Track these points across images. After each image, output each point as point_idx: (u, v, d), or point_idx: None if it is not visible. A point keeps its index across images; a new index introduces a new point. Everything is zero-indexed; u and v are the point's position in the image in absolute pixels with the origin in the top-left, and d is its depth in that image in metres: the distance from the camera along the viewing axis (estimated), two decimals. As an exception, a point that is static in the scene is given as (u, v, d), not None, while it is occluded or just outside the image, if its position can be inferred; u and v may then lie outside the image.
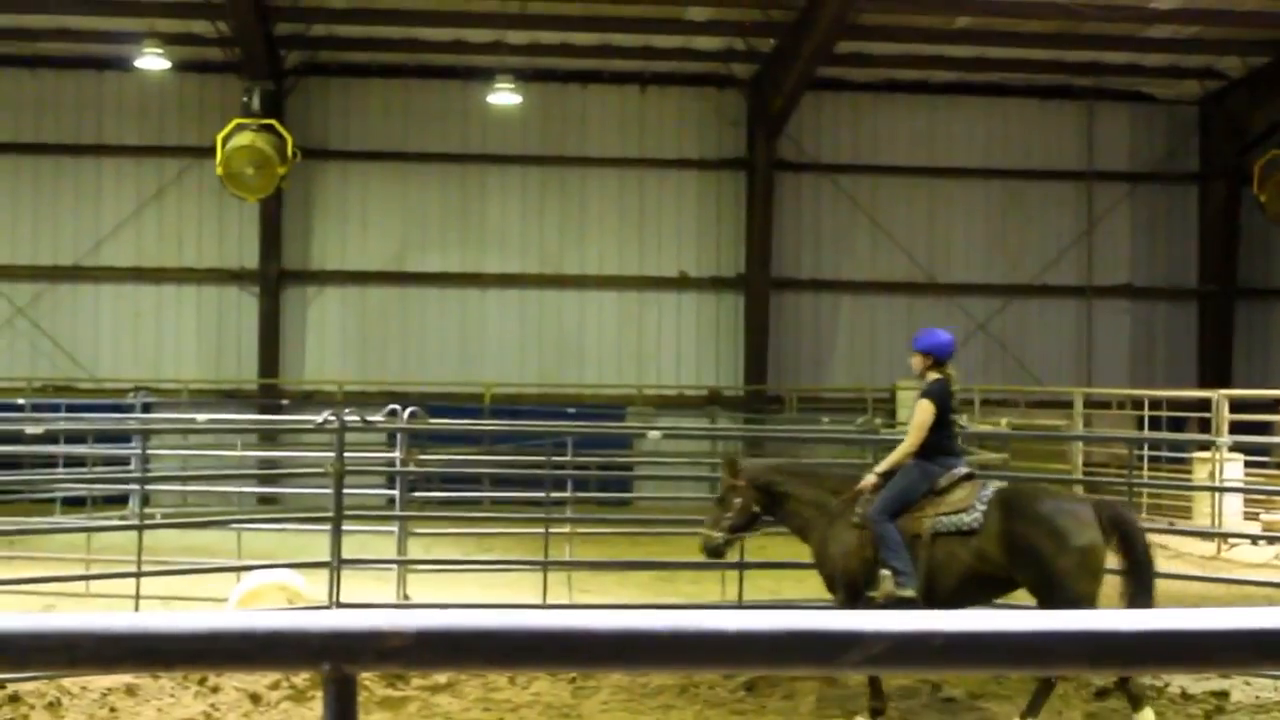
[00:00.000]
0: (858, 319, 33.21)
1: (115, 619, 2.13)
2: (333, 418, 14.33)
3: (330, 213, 32.21)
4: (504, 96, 30.84)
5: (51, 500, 22.74)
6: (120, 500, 23.13)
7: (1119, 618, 2.11)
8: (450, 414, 21.60)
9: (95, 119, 31.85)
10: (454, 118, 32.36)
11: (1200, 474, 24.22)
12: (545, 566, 15.23)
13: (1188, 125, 33.85)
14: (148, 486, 20.25)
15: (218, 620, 2.06)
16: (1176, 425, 28.49)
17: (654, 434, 17.76)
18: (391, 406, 15.80)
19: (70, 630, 2.12)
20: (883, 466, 12.46)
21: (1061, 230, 33.59)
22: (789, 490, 12.66)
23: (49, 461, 22.08)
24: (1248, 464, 24.55)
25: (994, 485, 12.25)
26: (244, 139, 27.34)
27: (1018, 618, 2.08)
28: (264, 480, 22.48)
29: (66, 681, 12.57)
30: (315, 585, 14.47)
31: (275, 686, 12.80)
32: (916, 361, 12.79)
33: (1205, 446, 23.79)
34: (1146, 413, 27.44)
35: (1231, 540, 22.54)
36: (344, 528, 14.40)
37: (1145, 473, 24.75)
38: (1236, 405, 24.69)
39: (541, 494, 17.79)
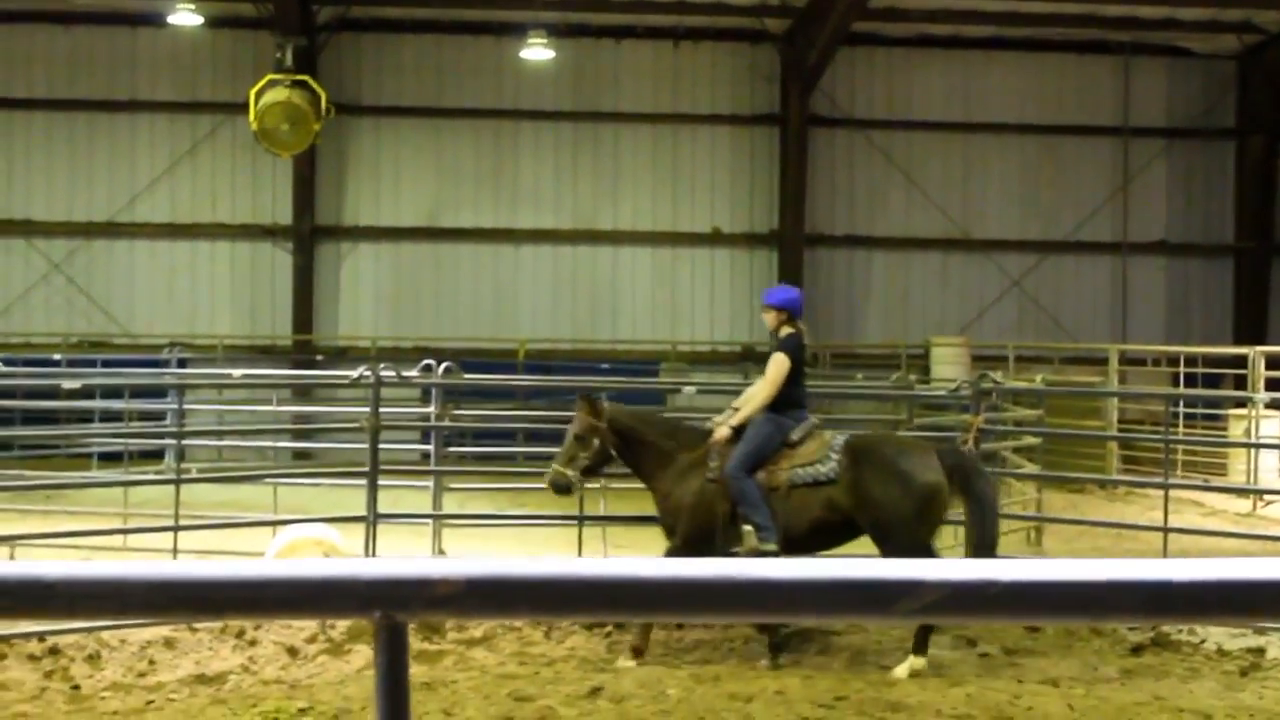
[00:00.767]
0: (891, 275, 33.10)
1: (165, 566, 2.13)
2: (368, 373, 14.35)
3: (363, 168, 32.21)
4: (537, 52, 30.75)
5: (88, 455, 22.85)
6: (156, 455, 23.24)
7: (1173, 567, 2.09)
8: (484, 369, 21.66)
9: (129, 75, 31.88)
10: (487, 73, 32.29)
11: (1236, 430, 24.14)
12: (580, 521, 15.24)
13: (1225, 80, 33.59)
14: (184, 442, 20.32)
15: (268, 568, 2.06)
16: (1212, 382, 28.36)
17: (688, 389, 17.75)
18: (426, 362, 15.81)
19: (120, 578, 2.12)
20: (735, 420, 12.59)
21: (1097, 186, 33.38)
22: (646, 438, 12.80)
23: (85, 416, 22.19)
24: (1284, 420, 24.45)
25: (842, 436, 12.62)
26: (278, 95, 27.32)
27: (1073, 567, 2.06)
28: (299, 435, 22.54)
29: (106, 634, 12.66)
30: (351, 540, 14.52)
31: (312, 640, 12.87)
32: (770, 317, 12.90)
33: (1241, 403, 23.69)
34: (1182, 369, 27.31)
35: (1267, 496, 22.47)
36: (379, 483, 14.43)
37: (1180, 429, 24.65)
38: (1272, 361, 24.54)
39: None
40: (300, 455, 25.64)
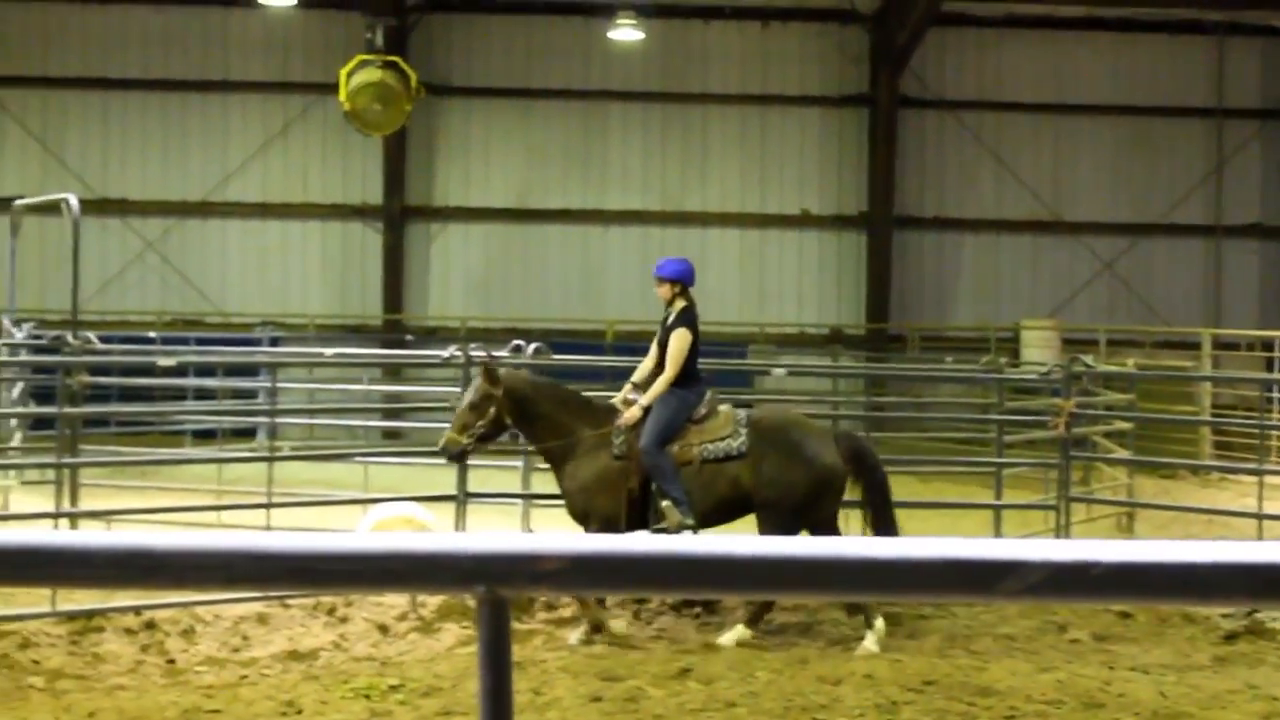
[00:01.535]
0: (981, 258, 32.88)
1: (272, 539, 2.16)
2: (458, 353, 14.42)
3: (453, 149, 32.35)
4: (626, 32, 30.76)
5: (182, 432, 23.11)
6: (248, 433, 23.46)
7: (1277, 550, 2.08)
8: (571, 350, 21.63)
9: (221, 55, 32.18)
10: (576, 54, 32.34)
11: (1331, 416, 23.82)
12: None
13: (1323, 60, 33.13)
14: (276, 420, 20.50)
15: (372, 541, 2.08)
16: (1307, 366, 28.00)
17: (779, 371, 17.74)
18: (516, 342, 15.85)
19: (227, 549, 2.15)
20: (646, 399, 12.47)
21: (1190, 168, 33.00)
22: (546, 412, 12.61)
23: (179, 394, 22.43)
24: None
25: (744, 411, 12.64)
26: (370, 75, 27.47)
27: (1176, 549, 2.06)
28: (389, 414, 22.69)
29: (200, 609, 12.83)
30: (441, 519, 14.60)
31: (403, 618, 12.98)
32: (665, 290, 12.84)
33: (1337, 388, 23.38)
34: (1276, 354, 26.98)
35: (1363, 484, 22.16)
36: (468, 462, 14.49)
37: (1275, 414, 24.36)
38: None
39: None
40: (390, 434, 25.80)
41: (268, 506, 14.84)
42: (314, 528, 15.88)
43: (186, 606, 12.93)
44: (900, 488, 15.51)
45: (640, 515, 12.24)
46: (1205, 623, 12.93)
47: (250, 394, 22.28)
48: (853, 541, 2.06)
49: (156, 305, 31.41)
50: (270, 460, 15.91)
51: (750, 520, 12.58)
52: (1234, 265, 33.02)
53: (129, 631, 12.48)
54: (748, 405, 13.28)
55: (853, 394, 27.64)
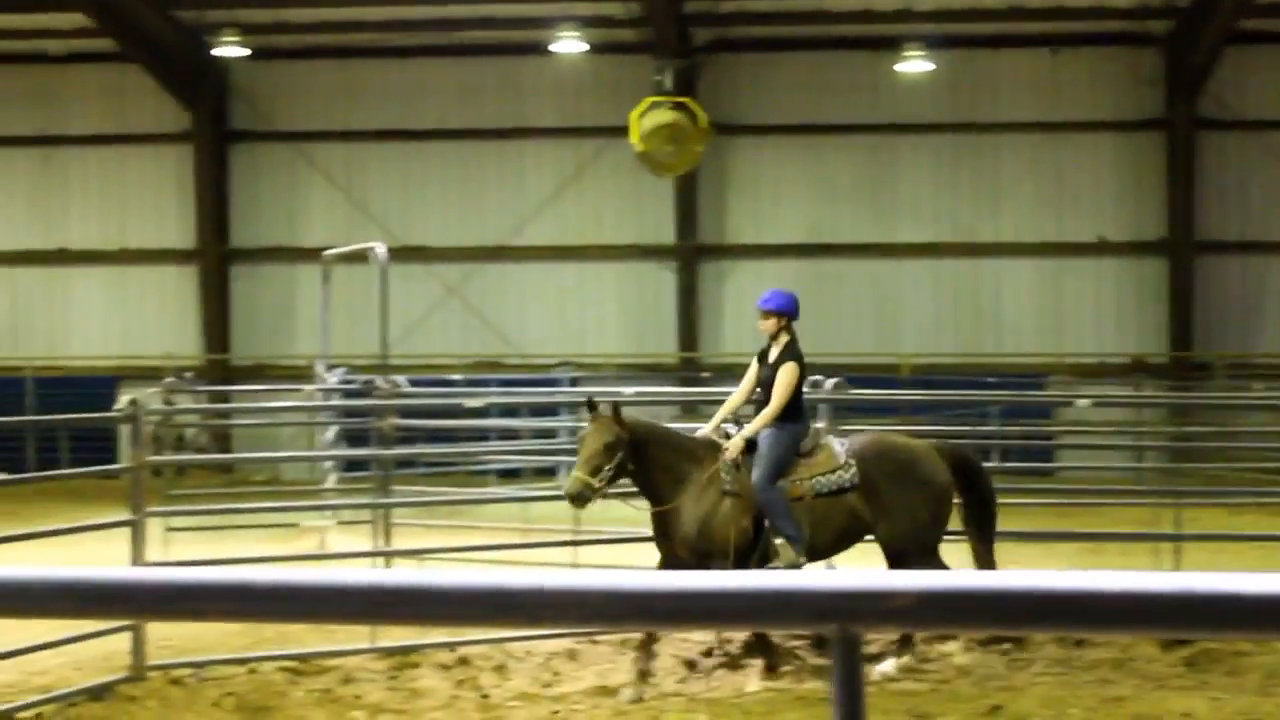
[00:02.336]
0: (1290, 281, 31.86)
1: (623, 578, 2.23)
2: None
3: (743, 187, 32.54)
4: (913, 64, 30.65)
5: (487, 472, 23.59)
6: (550, 471, 23.86)
7: None
8: (866, 384, 21.56)
9: (516, 103, 32.91)
10: (863, 88, 32.28)
11: None
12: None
13: None
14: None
15: (729, 580, 2.15)
16: None
17: (1082, 402, 17.42)
18: (815, 377, 15.86)
19: (581, 588, 2.23)
20: (749, 432, 12.14)
21: None
22: (656, 453, 12.15)
23: (482, 435, 22.93)
24: None
25: (843, 441, 12.35)
26: (662, 117, 27.78)
27: None
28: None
29: (512, 645, 13.11)
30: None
31: (709, 654, 13.05)
32: (771, 324, 12.46)
33: None
34: None
35: None
36: (769, 497, 14.50)
37: None
38: None
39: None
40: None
41: (574, 544, 15.09)
42: (619, 565, 16.09)
43: (499, 643, 13.23)
44: (1209, 520, 15.14)
45: (748, 552, 12.02)
46: None
47: (551, 433, 22.69)
48: (1136, 576, 2.05)
49: (458, 348, 32.19)
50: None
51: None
52: None
53: (444, 667, 12.81)
54: (842, 434, 13.03)
55: (1157, 424, 26.95)
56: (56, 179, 34.02)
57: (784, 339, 12.42)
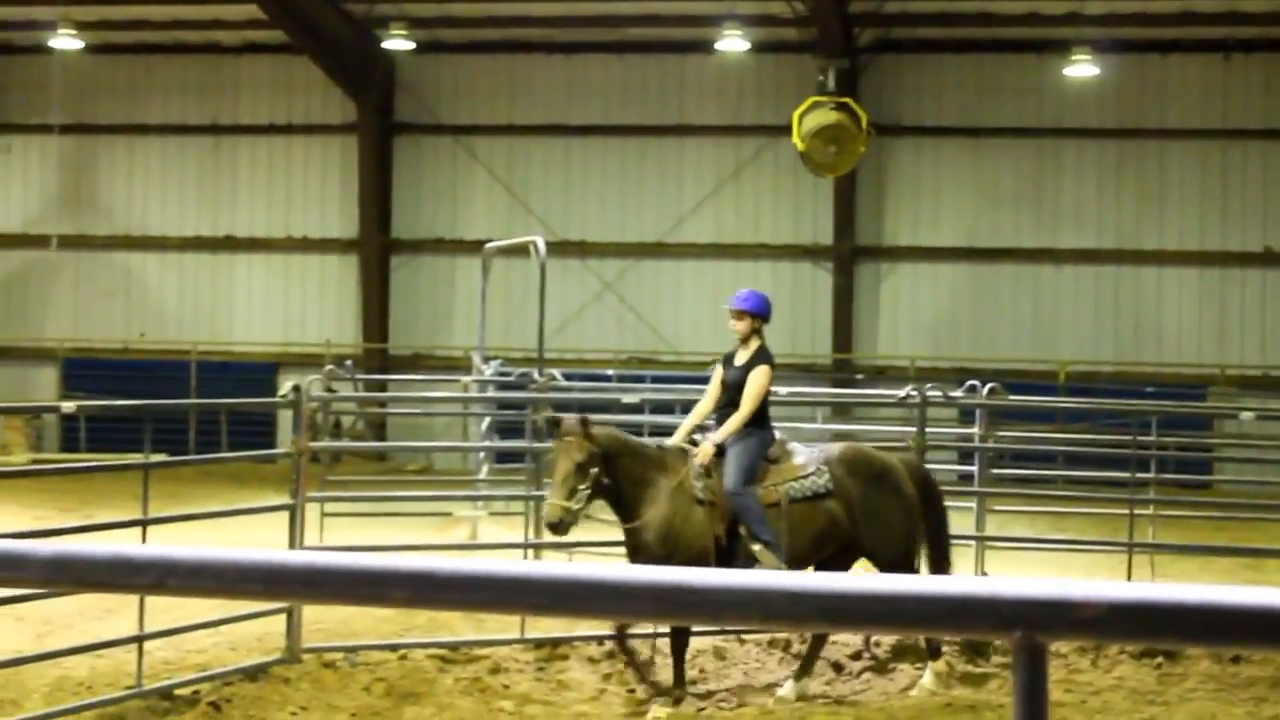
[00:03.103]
0: None
1: (805, 579, 2.23)
2: (914, 392, 14.39)
3: (903, 189, 32.32)
4: (1081, 69, 30.21)
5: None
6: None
7: None
8: (1022, 391, 21.37)
9: (678, 100, 32.97)
10: (1028, 91, 31.91)
11: None
12: (1130, 549, 14.87)
13: None
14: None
15: (910, 583, 2.13)
16: None
17: (1247, 415, 17.10)
18: (971, 382, 15.77)
19: (763, 587, 2.22)
20: (719, 436, 11.75)
21: None
22: (628, 464, 11.67)
23: (634, 431, 22.97)
24: None
25: (817, 448, 12.13)
26: (825, 117, 27.64)
27: None
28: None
29: (659, 642, 13.14)
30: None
31: (856, 657, 13.01)
32: (744, 325, 12.02)
33: None
34: None
35: None
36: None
37: None
38: None
39: (1118, 474, 17.42)
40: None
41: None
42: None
43: (646, 639, 13.27)
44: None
45: (726, 561, 11.66)
46: None
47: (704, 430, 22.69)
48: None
49: (613, 344, 32.33)
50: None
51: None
52: None
53: (592, 660, 12.90)
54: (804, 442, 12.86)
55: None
56: (225, 167, 34.67)
57: (755, 342, 12.06)
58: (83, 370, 33.42)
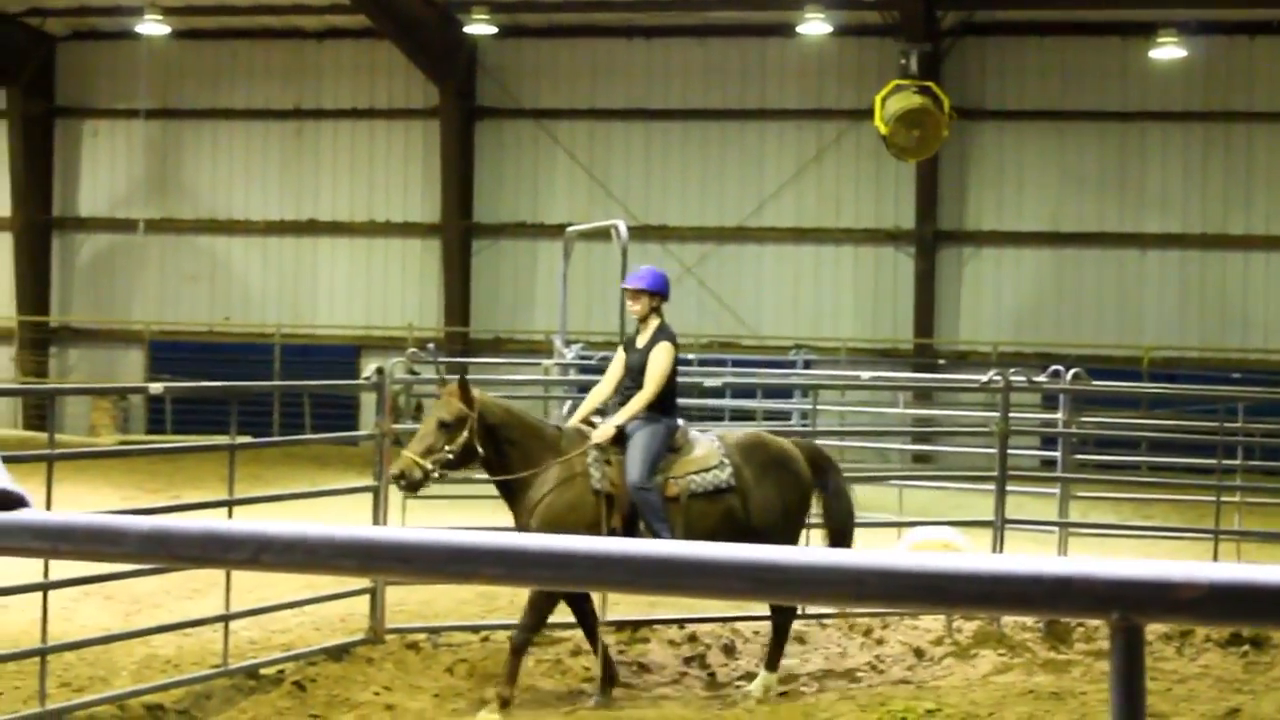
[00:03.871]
0: None
1: (898, 558, 2.21)
2: (997, 377, 14.29)
3: (986, 173, 32.11)
4: (1166, 51, 29.92)
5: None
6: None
7: None
8: (1105, 376, 21.15)
9: (759, 84, 32.89)
10: (1113, 75, 31.61)
11: None
12: (1216, 536, 14.73)
13: None
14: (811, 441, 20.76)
15: (1006, 562, 2.11)
16: None
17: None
18: (1054, 368, 15.63)
19: (859, 566, 2.20)
20: (620, 418, 11.20)
21: None
22: (519, 439, 11.13)
23: (716, 415, 23.00)
24: None
25: (715, 438, 11.55)
26: (908, 101, 27.47)
27: None
28: (918, 438, 22.65)
29: (741, 625, 13.17)
30: (975, 544, 14.54)
31: (938, 642, 12.97)
32: (641, 305, 11.48)
33: None
34: None
35: None
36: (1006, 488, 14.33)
37: None
38: None
39: (1203, 460, 17.27)
40: (920, 458, 25.76)
41: (808, 527, 15.02)
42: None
43: (727, 622, 13.29)
44: None
45: None
46: None
47: (784, 415, 22.67)
48: None
49: (694, 328, 32.27)
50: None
51: None
52: None
53: (672, 643, 12.91)
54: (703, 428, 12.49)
55: None
56: (309, 152, 34.89)
57: (654, 322, 11.53)
58: (168, 353, 33.77)
